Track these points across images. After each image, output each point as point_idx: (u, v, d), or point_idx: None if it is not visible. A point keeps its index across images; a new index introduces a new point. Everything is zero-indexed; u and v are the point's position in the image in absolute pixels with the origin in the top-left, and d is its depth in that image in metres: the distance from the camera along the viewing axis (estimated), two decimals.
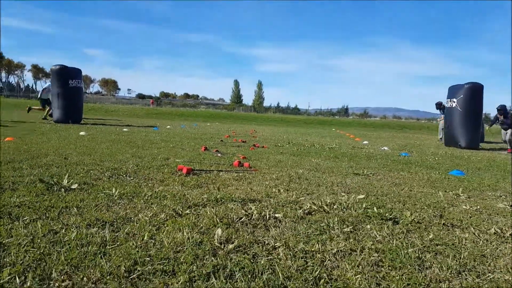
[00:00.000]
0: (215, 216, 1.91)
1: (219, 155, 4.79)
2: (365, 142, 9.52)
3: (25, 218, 1.74)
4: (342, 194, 2.77)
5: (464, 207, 2.56)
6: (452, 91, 9.51)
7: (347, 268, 1.42)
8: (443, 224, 2.11)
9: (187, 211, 2.03)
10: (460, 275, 1.42)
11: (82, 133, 6.39)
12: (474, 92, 9.11)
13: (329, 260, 1.49)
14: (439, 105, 11.52)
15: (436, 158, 5.98)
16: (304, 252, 1.54)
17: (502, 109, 9.02)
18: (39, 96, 13.27)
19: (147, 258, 1.38)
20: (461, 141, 9.10)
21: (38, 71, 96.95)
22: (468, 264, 1.53)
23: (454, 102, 9.26)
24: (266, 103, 77.95)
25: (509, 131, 8.79)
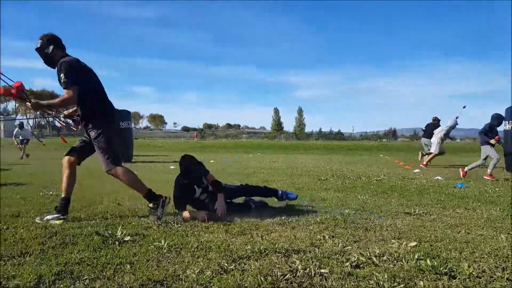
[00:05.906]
0: (259, 275, 1.91)
1: None
2: (416, 170, 9.05)
3: (85, 278, 1.87)
4: (392, 240, 2.65)
5: None
6: (511, 113, 8.95)
7: None
8: (507, 279, 1.93)
9: (232, 266, 2.06)
10: None
11: None
12: None
13: None
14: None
15: (497, 189, 5.53)
16: None
17: None
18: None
19: None
20: None
21: None
22: None
23: None
24: (307, 129, 77.96)
25: None
